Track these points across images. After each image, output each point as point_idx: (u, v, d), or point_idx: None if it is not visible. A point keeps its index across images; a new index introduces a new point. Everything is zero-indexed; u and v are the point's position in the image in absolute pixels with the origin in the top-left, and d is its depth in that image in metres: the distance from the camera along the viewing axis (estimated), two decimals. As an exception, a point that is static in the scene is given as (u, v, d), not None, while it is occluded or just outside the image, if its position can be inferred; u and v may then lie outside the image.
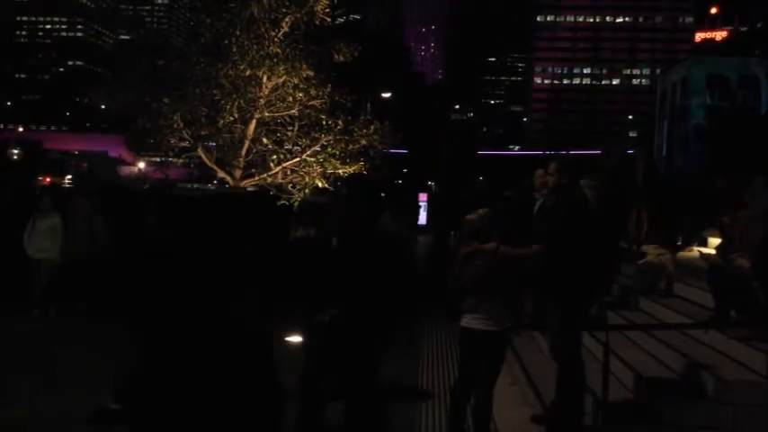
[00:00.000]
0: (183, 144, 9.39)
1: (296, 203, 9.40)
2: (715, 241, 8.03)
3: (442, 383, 6.80)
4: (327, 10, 9.23)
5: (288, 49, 8.87)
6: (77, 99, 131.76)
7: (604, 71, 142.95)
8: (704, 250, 8.71)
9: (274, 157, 9.25)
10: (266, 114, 9.22)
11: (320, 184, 9.15)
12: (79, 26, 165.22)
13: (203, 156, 9.47)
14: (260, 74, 8.85)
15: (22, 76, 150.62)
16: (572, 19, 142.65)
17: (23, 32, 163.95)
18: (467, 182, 56.31)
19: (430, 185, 52.40)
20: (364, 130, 9.31)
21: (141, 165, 64.28)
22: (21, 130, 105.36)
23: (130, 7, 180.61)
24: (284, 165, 9.27)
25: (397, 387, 6.55)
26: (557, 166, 5.09)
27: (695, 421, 4.89)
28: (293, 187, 9.42)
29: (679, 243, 8.49)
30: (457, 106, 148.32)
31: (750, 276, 5.74)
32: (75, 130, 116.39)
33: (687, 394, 5.12)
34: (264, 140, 9.34)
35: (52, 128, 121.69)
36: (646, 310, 7.41)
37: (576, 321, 4.99)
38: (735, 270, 5.92)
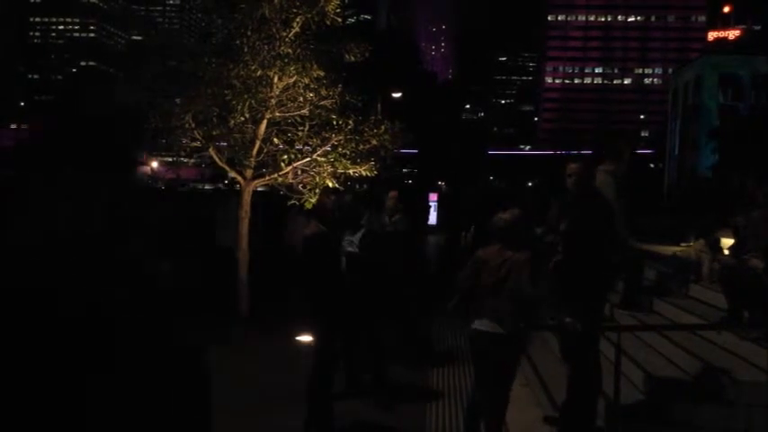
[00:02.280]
0: (194, 144, 9.41)
1: (306, 203, 9.42)
2: (728, 242, 7.99)
3: (453, 383, 6.80)
4: (338, 10, 9.21)
5: (299, 50, 8.86)
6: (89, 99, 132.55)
7: (616, 70, 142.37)
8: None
9: (285, 156, 9.24)
10: (277, 114, 9.22)
11: (331, 184, 9.15)
12: (92, 27, 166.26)
13: (215, 156, 9.48)
14: (271, 74, 8.84)
15: (35, 76, 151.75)
16: (583, 18, 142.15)
17: (36, 33, 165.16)
18: (477, 181, 56.28)
19: (440, 185, 52.34)
20: (375, 130, 9.29)
21: (154, 164, 64.75)
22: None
23: (142, 8, 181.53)
24: (295, 164, 9.27)
25: (407, 387, 6.56)
26: (578, 166, 5.04)
27: (708, 422, 4.86)
28: (304, 187, 9.42)
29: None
30: (467, 106, 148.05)
31: (763, 277, 5.70)
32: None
33: (700, 395, 5.10)
34: (275, 140, 9.34)
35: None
36: (659, 312, 7.38)
37: (594, 322, 4.96)
38: (748, 270, 5.89)
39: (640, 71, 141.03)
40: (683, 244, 10.43)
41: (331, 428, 5.01)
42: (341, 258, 5.84)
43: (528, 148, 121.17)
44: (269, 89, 8.99)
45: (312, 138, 9.33)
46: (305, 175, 9.41)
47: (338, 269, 5.26)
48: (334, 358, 5.15)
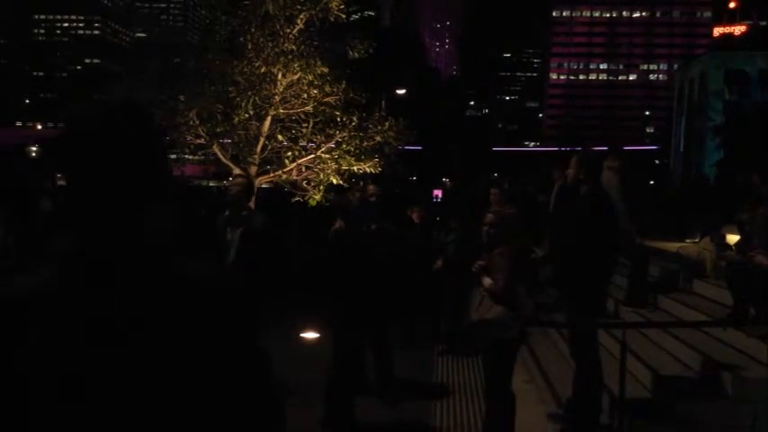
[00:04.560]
0: (198, 141, 9.43)
1: (311, 200, 9.43)
2: (734, 238, 7.96)
3: (457, 382, 6.79)
4: (342, 7, 9.21)
5: (302, 46, 8.88)
6: (94, 97, 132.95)
7: (621, 67, 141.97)
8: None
9: (289, 153, 9.26)
10: (281, 111, 9.23)
11: (335, 181, 9.16)
12: (96, 24, 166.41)
13: (219, 153, 9.50)
14: (275, 71, 8.86)
15: (40, 74, 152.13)
16: (588, 14, 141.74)
17: (41, 30, 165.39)
18: (480, 178, 56.20)
19: (444, 182, 52.30)
20: (379, 127, 9.30)
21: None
22: (39, 127, 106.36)
23: (146, 5, 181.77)
24: (299, 161, 9.28)
25: (411, 385, 6.55)
26: (577, 159, 5.03)
27: (713, 419, 4.84)
28: (308, 184, 9.44)
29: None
30: (472, 102, 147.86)
31: (769, 274, 5.67)
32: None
33: (705, 392, 5.08)
34: (279, 137, 9.35)
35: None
36: (664, 308, 7.36)
37: (593, 317, 4.95)
38: (754, 267, 5.86)
39: (645, 67, 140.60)
40: (687, 240, 10.39)
41: (352, 428, 4.95)
42: (368, 256, 5.76)
43: (532, 144, 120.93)
44: (273, 86, 9.00)
45: (316, 135, 9.34)
46: (309, 171, 9.43)
47: (363, 267, 5.18)
48: (354, 356, 5.12)
